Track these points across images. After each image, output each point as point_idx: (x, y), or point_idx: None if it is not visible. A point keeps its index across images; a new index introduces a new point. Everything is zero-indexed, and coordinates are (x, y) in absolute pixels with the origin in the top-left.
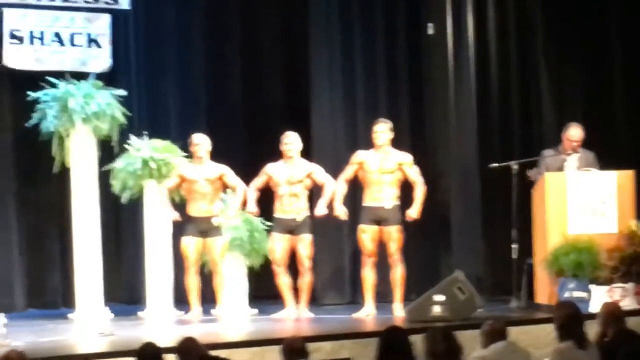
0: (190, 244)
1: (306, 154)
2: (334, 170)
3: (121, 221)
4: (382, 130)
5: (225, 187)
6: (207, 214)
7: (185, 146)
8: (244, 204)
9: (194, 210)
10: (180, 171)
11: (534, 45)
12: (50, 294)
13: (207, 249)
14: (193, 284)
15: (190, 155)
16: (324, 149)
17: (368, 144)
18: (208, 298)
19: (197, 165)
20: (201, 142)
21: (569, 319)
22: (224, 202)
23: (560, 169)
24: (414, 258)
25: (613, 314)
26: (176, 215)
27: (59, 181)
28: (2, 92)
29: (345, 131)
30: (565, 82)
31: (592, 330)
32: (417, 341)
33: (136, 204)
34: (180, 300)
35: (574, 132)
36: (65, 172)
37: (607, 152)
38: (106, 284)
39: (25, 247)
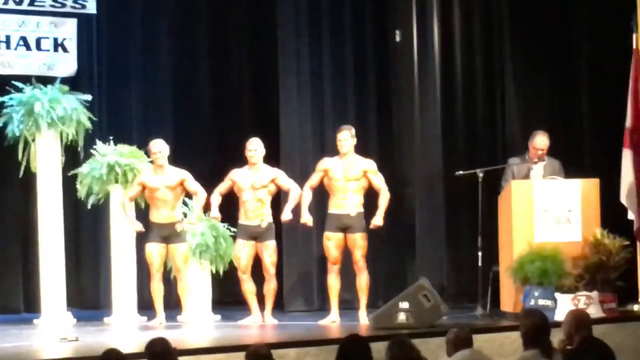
0: (154, 251)
1: (274, 160)
2: (302, 177)
3: (83, 226)
4: (345, 138)
5: (186, 192)
6: (169, 220)
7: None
8: (206, 209)
9: (155, 216)
10: (141, 179)
11: (500, 53)
12: (13, 299)
13: (170, 255)
14: (157, 290)
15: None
16: (292, 155)
17: (336, 150)
18: (173, 304)
19: (158, 172)
20: (161, 149)
21: (536, 328)
22: (188, 208)
23: (526, 176)
24: (379, 265)
25: (581, 321)
26: (139, 227)
27: (22, 186)
28: None
29: (313, 137)
30: (531, 90)
31: (556, 338)
32: (382, 349)
33: (99, 209)
34: (145, 306)
35: (540, 141)
36: (28, 177)
37: (572, 160)
38: (69, 289)
39: None
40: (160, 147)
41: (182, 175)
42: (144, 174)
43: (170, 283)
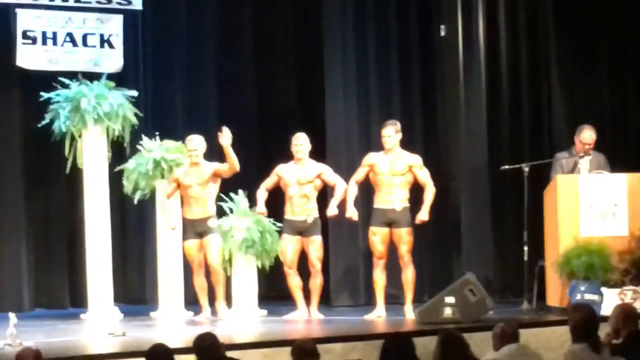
0: (192, 247)
1: (320, 155)
2: (348, 172)
3: (129, 222)
4: (389, 134)
5: (220, 178)
6: (202, 215)
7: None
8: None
9: (188, 213)
10: (176, 175)
11: (546, 47)
12: (58, 294)
13: (204, 249)
14: (200, 285)
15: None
16: (338, 150)
17: (381, 145)
18: None
19: (192, 169)
20: (197, 147)
21: (585, 322)
22: (234, 202)
23: (572, 171)
24: (425, 260)
25: (628, 315)
26: (174, 225)
27: (68, 182)
28: (13, 92)
29: (359, 133)
30: (577, 84)
31: (602, 332)
32: (427, 344)
33: (145, 204)
34: (192, 301)
35: (587, 135)
36: (75, 173)
37: (618, 154)
38: (115, 284)
39: (34, 247)
40: (197, 144)
41: (212, 167)
42: (178, 171)
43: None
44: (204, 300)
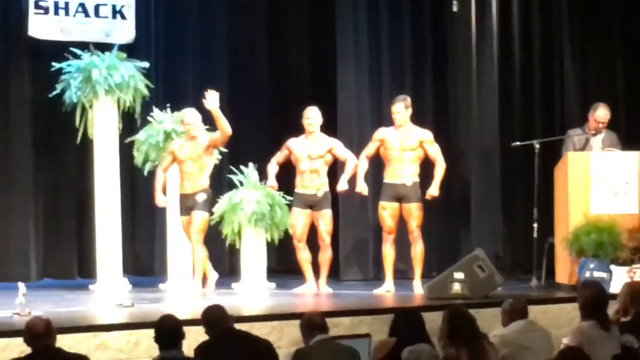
0: (184, 223)
1: (331, 130)
2: (359, 147)
3: (139, 193)
4: (399, 111)
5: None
6: (192, 190)
7: (206, 119)
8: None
9: (181, 188)
10: (172, 148)
11: (558, 23)
12: (66, 264)
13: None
14: (199, 255)
15: (211, 129)
16: (349, 125)
17: (392, 119)
18: (226, 271)
19: (188, 143)
20: (194, 120)
21: (594, 299)
22: (244, 175)
23: (584, 148)
24: (434, 235)
25: (636, 293)
26: (162, 202)
27: (78, 153)
28: (24, 62)
29: (371, 107)
30: (590, 59)
31: (611, 310)
32: (436, 319)
33: (155, 176)
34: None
35: (602, 113)
36: (85, 143)
37: (630, 132)
38: (124, 255)
39: (42, 218)
40: (194, 117)
41: (208, 138)
42: (174, 143)
43: (225, 251)
44: (209, 269)
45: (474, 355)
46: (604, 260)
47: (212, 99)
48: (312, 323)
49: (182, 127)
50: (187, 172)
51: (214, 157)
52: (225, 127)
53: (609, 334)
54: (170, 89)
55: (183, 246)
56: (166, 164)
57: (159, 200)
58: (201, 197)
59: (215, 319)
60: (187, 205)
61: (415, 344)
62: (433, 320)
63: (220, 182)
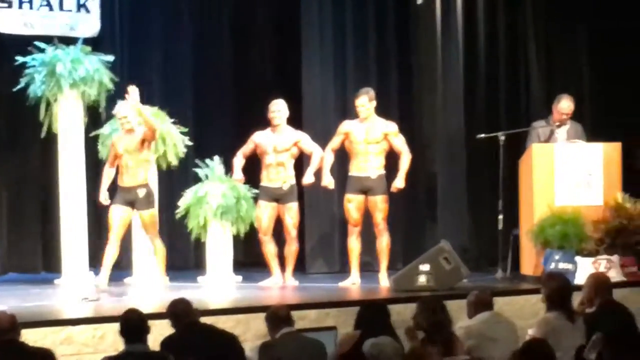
0: (113, 212)
1: (297, 123)
2: (324, 139)
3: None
4: (363, 104)
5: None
6: (131, 184)
7: (171, 113)
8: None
9: (120, 181)
10: (113, 139)
11: (523, 15)
12: (31, 259)
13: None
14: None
15: (177, 123)
16: (315, 118)
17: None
18: (192, 265)
19: (125, 136)
20: (126, 114)
21: (559, 291)
22: (209, 168)
23: (549, 140)
24: (400, 228)
25: (601, 284)
26: (104, 199)
27: (43, 146)
28: None
29: (335, 100)
30: (555, 52)
31: (576, 301)
32: (402, 311)
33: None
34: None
35: (565, 105)
36: (50, 137)
37: (595, 124)
38: (90, 249)
39: (7, 212)
40: (125, 111)
41: (141, 132)
42: (115, 135)
43: (190, 244)
44: (105, 267)
45: (447, 346)
46: (569, 251)
47: (131, 96)
48: (278, 316)
49: (163, 118)
50: (125, 165)
51: (151, 153)
52: (150, 121)
53: (574, 325)
54: (136, 82)
55: (147, 239)
56: (110, 157)
57: (101, 197)
58: (142, 193)
59: (180, 312)
60: (125, 198)
61: (379, 336)
62: (399, 313)
63: (186, 175)
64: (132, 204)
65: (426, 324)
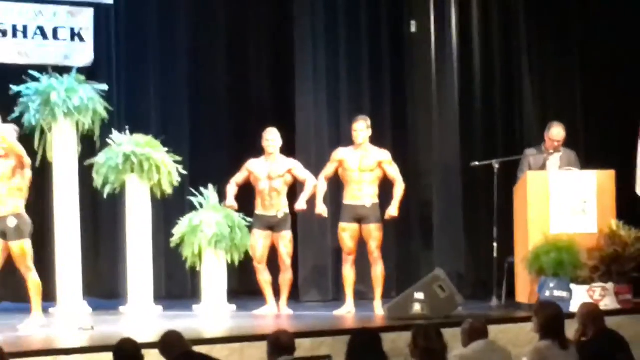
0: None
1: (290, 151)
2: (318, 167)
3: (100, 216)
4: (361, 129)
5: None
6: (2, 214)
7: (166, 142)
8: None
9: None
10: None
11: (518, 44)
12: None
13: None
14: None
15: (171, 151)
16: (308, 145)
17: (351, 140)
18: (189, 294)
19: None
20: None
21: (552, 319)
22: (204, 197)
23: (542, 167)
24: (395, 256)
25: (592, 314)
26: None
27: (37, 176)
28: None
29: (329, 128)
30: (549, 81)
31: (571, 329)
32: (396, 339)
33: (115, 198)
34: (161, 296)
35: (556, 132)
36: (44, 166)
37: (590, 151)
38: (85, 278)
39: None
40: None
41: (14, 160)
42: None
43: (187, 273)
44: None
45: None
46: (563, 279)
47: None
48: (280, 343)
49: (157, 147)
50: None
51: (26, 179)
52: (15, 148)
53: (567, 352)
54: (130, 111)
55: (143, 268)
56: None
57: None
58: (12, 223)
59: (172, 343)
60: None
61: None
62: (393, 341)
63: (181, 204)
64: (4, 234)
65: (421, 351)
